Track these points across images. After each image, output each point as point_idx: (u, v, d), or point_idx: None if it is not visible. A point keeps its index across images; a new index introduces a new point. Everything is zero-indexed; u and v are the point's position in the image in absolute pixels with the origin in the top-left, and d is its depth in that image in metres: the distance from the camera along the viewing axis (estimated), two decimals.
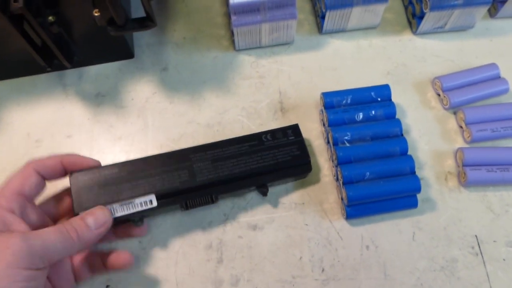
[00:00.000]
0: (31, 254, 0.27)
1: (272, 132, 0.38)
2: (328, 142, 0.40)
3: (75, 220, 0.31)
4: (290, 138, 0.37)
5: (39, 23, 0.35)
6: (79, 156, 0.35)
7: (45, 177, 0.33)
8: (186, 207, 0.36)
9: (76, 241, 0.30)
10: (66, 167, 0.34)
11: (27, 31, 0.35)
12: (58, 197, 0.36)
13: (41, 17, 0.35)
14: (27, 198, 0.32)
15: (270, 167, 0.36)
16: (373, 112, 0.39)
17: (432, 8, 0.42)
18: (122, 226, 0.35)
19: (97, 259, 0.35)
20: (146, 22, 0.36)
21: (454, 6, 0.41)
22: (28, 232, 0.29)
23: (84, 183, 0.35)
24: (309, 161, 0.37)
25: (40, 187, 0.33)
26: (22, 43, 0.36)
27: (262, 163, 0.37)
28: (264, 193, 0.38)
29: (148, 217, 0.37)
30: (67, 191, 0.36)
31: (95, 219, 0.32)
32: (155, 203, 0.35)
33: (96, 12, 0.34)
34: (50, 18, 0.35)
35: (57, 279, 0.33)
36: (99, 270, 0.35)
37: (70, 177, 0.35)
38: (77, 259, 0.35)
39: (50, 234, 0.28)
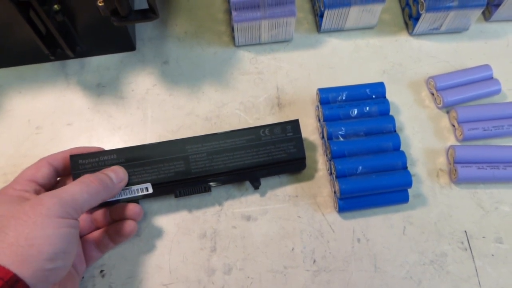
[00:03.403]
0: (63, 205, 0.29)
1: (271, 127, 0.38)
2: (323, 137, 0.41)
3: (98, 174, 0.34)
4: (289, 134, 0.38)
5: (45, 11, 0.35)
6: (86, 147, 0.38)
7: (57, 169, 0.35)
8: (180, 194, 0.37)
9: (101, 190, 0.32)
10: None
11: (32, 19, 0.36)
12: None
13: (46, 5, 0.36)
14: (41, 186, 0.34)
15: (264, 163, 0.37)
16: (367, 108, 0.40)
17: (428, 9, 0.43)
18: (119, 209, 0.36)
19: (104, 237, 0.36)
20: (148, 14, 0.37)
21: (449, 8, 0.42)
22: (55, 190, 0.30)
23: (83, 166, 0.36)
24: (304, 159, 0.38)
25: (52, 177, 0.35)
26: (28, 30, 0.37)
27: (257, 158, 0.37)
28: (256, 187, 0.38)
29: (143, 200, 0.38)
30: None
31: (116, 174, 0.35)
32: (150, 190, 0.36)
33: (100, 2, 0.35)
34: (56, 6, 0.36)
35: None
36: (107, 247, 0.36)
37: (70, 160, 0.35)
38: (87, 240, 0.36)
39: (76, 187, 0.31)
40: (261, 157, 0.37)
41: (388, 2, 0.45)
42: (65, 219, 0.29)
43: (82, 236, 0.36)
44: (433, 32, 0.47)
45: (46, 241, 0.27)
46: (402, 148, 0.39)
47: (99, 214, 0.36)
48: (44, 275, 0.27)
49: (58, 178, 0.37)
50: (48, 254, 0.27)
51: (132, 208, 0.36)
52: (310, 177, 0.40)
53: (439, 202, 0.39)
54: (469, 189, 0.40)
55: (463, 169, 0.38)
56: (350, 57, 0.46)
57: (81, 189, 0.31)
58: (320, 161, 0.41)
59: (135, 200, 0.36)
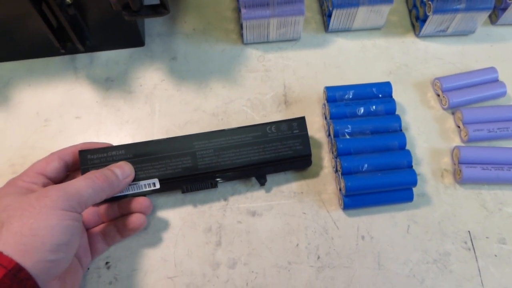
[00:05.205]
0: (68, 199, 0.29)
1: (277, 124, 0.38)
2: (329, 135, 0.41)
3: (104, 170, 0.34)
4: (295, 131, 0.38)
5: (57, 4, 0.36)
6: (95, 142, 0.38)
7: (67, 163, 0.36)
8: (187, 190, 0.37)
9: (106, 186, 0.32)
10: None
11: (44, 12, 0.37)
12: None
13: None
14: (50, 179, 0.34)
15: (271, 160, 0.37)
16: (374, 107, 0.40)
17: (435, 11, 0.43)
18: (128, 203, 0.37)
19: (112, 229, 0.36)
20: (159, 9, 0.37)
21: (456, 10, 0.43)
22: (61, 183, 0.31)
23: (92, 161, 0.36)
24: (310, 156, 0.38)
25: (61, 171, 0.35)
26: (39, 23, 0.37)
27: (263, 155, 0.37)
28: (262, 183, 0.39)
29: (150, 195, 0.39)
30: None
31: (122, 170, 0.35)
32: (158, 186, 0.37)
33: None
34: (68, 0, 0.37)
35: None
36: (114, 239, 0.36)
37: (79, 155, 0.36)
38: (94, 232, 0.36)
39: (82, 182, 0.31)
40: (267, 154, 0.38)
41: (395, 4, 0.45)
42: (69, 212, 0.29)
43: (89, 229, 0.36)
44: (440, 34, 0.47)
45: (50, 232, 0.27)
46: (407, 148, 0.39)
47: (107, 207, 0.37)
48: (46, 267, 0.27)
49: (68, 173, 0.37)
50: (51, 245, 0.27)
51: (141, 201, 0.36)
52: (316, 174, 0.41)
53: (443, 202, 0.39)
54: (473, 190, 0.40)
55: (467, 169, 0.39)
56: (356, 57, 0.47)
57: (86, 184, 0.31)
58: (325, 159, 0.41)
59: (143, 195, 0.37)
